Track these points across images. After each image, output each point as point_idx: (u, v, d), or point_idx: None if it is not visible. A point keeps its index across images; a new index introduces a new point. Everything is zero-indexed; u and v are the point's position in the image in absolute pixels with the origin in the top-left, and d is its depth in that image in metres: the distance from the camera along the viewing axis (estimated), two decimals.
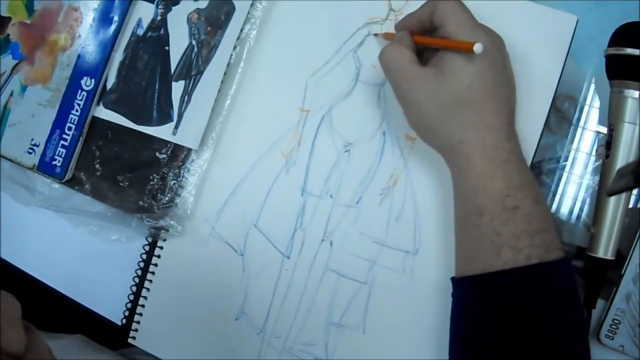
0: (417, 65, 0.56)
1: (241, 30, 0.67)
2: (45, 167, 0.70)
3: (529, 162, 0.61)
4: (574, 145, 0.71)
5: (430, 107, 0.55)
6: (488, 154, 0.54)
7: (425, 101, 0.55)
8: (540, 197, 0.55)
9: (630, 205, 0.67)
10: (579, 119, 0.71)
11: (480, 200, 0.54)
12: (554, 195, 0.71)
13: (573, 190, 0.71)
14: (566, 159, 0.71)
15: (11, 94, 0.72)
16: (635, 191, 0.68)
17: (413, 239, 0.63)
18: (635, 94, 0.62)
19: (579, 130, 0.71)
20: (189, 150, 0.66)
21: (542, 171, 0.71)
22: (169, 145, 0.66)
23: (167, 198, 0.66)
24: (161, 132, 0.67)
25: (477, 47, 0.51)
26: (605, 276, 0.63)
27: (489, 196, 0.53)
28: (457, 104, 0.54)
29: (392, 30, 0.64)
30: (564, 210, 0.70)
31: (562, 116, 0.71)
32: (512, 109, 0.57)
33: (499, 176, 0.54)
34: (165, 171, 0.66)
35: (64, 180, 0.69)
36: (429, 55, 0.59)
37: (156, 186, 0.66)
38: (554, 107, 0.71)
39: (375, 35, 0.64)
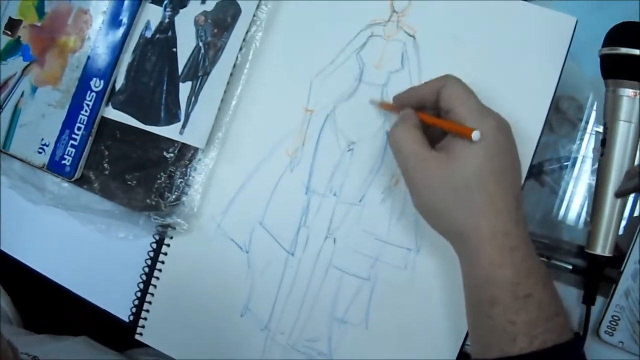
0: (428, 149, 0.57)
1: (247, 32, 0.69)
2: (55, 167, 0.72)
3: (528, 163, 0.63)
4: (575, 145, 0.73)
5: (441, 192, 0.55)
6: (498, 241, 0.54)
7: (436, 186, 0.56)
8: (548, 279, 0.55)
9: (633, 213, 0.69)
10: (580, 119, 0.73)
11: (491, 291, 0.54)
12: (555, 194, 0.72)
13: (574, 190, 0.72)
14: (568, 159, 0.73)
15: (22, 95, 0.75)
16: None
17: (415, 237, 0.65)
18: (630, 92, 0.63)
19: (580, 130, 0.73)
20: (196, 149, 0.69)
21: (544, 171, 0.74)
22: (176, 145, 0.69)
23: (174, 196, 0.68)
24: (169, 131, 0.69)
25: (475, 135, 0.53)
26: (603, 273, 0.65)
27: (500, 286, 0.53)
28: (468, 190, 0.54)
29: (394, 31, 0.66)
30: (565, 209, 0.73)
31: (563, 117, 0.74)
32: (520, 193, 0.57)
33: (509, 264, 0.53)
34: (173, 170, 0.69)
35: (73, 179, 0.72)
36: (431, 133, 0.60)
37: (163, 184, 0.69)
38: (556, 108, 0.73)
39: (372, 102, 0.67)
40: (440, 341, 0.66)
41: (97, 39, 0.73)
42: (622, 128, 0.64)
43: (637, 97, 0.64)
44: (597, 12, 0.77)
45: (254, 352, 0.69)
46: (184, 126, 0.69)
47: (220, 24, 0.69)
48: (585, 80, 0.75)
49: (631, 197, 0.69)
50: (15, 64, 0.76)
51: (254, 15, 0.69)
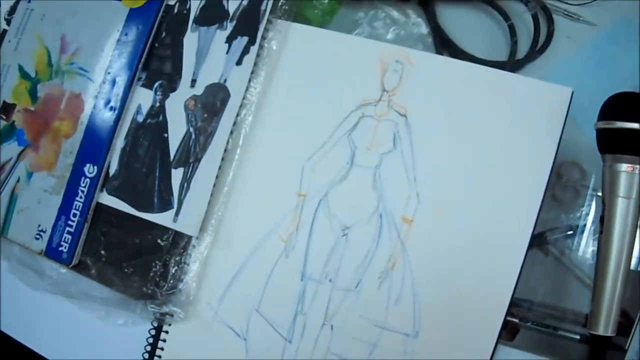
0: None
1: (237, 115, 0.68)
2: (52, 253, 0.73)
3: (529, 236, 0.63)
4: (580, 213, 0.71)
5: None
6: None
7: None
8: None
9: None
10: (584, 185, 0.72)
11: None
12: (560, 263, 0.71)
13: (580, 258, 0.71)
14: (572, 227, 0.72)
15: (18, 180, 0.76)
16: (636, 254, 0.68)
17: (413, 322, 0.65)
18: (628, 167, 0.62)
19: (584, 196, 0.71)
20: (190, 237, 0.68)
21: (548, 240, 0.72)
22: (170, 232, 0.69)
23: (169, 284, 0.69)
24: (162, 219, 0.69)
25: None
26: (606, 353, 0.64)
27: None
28: None
29: (385, 111, 0.65)
30: (571, 279, 0.71)
31: (566, 183, 0.72)
32: None
33: None
34: (167, 258, 0.69)
35: (70, 266, 0.72)
36: None
37: (158, 273, 0.69)
38: (557, 175, 0.72)
39: None
40: None
41: (89, 124, 0.73)
42: (621, 205, 0.63)
43: (636, 171, 0.62)
44: (597, 73, 0.75)
45: None
46: (177, 213, 0.69)
47: (210, 108, 0.69)
48: (588, 144, 0.73)
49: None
50: (11, 148, 0.77)
51: (244, 99, 0.69)
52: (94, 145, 0.73)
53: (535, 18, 0.72)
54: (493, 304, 0.63)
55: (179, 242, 0.69)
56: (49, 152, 0.75)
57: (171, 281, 0.69)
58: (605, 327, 0.63)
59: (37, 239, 0.74)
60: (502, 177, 0.64)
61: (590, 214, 0.72)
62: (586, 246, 0.72)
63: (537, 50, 0.73)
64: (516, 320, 0.68)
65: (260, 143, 0.70)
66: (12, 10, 0.80)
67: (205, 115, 0.69)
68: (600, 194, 0.70)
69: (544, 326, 0.71)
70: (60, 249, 0.73)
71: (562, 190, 0.73)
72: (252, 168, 0.70)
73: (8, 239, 0.76)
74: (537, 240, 0.72)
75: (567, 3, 0.75)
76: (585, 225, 0.72)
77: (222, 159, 0.69)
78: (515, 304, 0.67)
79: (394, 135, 0.66)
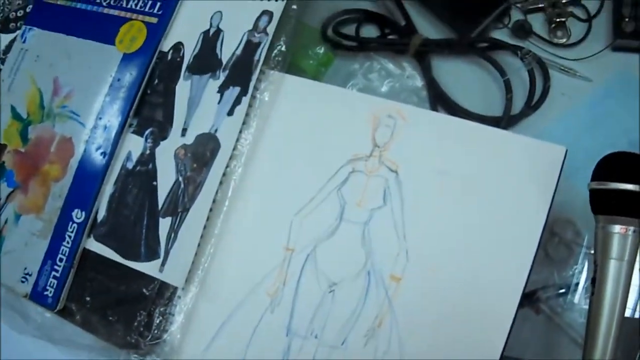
0: None
1: (227, 166, 0.67)
2: (37, 297, 0.72)
3: (520, 293, 0.61)
4: (572, 271, 0.70)
5: None
6: None
7: None
8: None
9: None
10: (578, 243, 0.70)
11: None
12: (552, 322, 0.70)
13: (572, 318, 0.69)
14: (564, 286, 0.70)
15: (6, 222, 0.75)
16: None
17: None
18: (621, 229, 0.60)
19: (578, 254, 0.70)
20: (175, 287, 0.67)
21: (539, 299, 0.71)
22: (155, 282, 0.68)
23: (153, 334, 0.68)
24: (148, 268, 0.68)
25: None
26: None
27: None
28: None
29: (376, 166, 0.64)
30: (563, 338, 0.70)
31: (559, 241, 0.71)
32: None
33: None
34: (152, 308, 0.68)
35: (55, 310, 0.71)
36: None
37: (143, 322, 0.68)
38: (551, 232, 0.71)
39: None
40: None
41: (79, 168, 0.72)
42: (613, 266, 0.61)
43: (629, 233, 0.61)
44: (593, 129, 0.74)
45: None
46: (163, 263, 0.68)
47: (199, 158, 0.68)
48: (582, 202, 0.71)
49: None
50: (0, 189, 0.75)
51: (234, 149, 0.68)
52: (83, 190, 0.72)
53: (531, 74, 0.72)
54: None
55: (164, 293, 0.68)
56: (37, 194, 0.74)
57: (155, 331, 0.68)
58: None
59: (22, 282, 0.73)
60: (493, 235, 0.63)
61: (583, 272, 0.71)
62: (579, 305, 0.71)
63: (532, 106, 0.72)
64: None
65: (249, 195, 0.69)
66: (7, 49, 0.80)
67: (195, 165, 0.68)
68: (593, 251, 0.69)
69: None
70: (45, 293, 0.72)
71: (555, 248, 0.72)
72: (240, 220, 0.69)
73: None
74: (529, 299, 0.71)
75: (563, 58, 0.74)
76: (578, 283, 0.71)
77: (210, 210, 0.68)
78: None
79: (384, 191, 0.65)
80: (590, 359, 0.62)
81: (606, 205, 0.61)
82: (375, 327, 0.65)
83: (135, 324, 0.69)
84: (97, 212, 0.72)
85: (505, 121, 0.72)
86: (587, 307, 0.68)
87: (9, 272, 0.75)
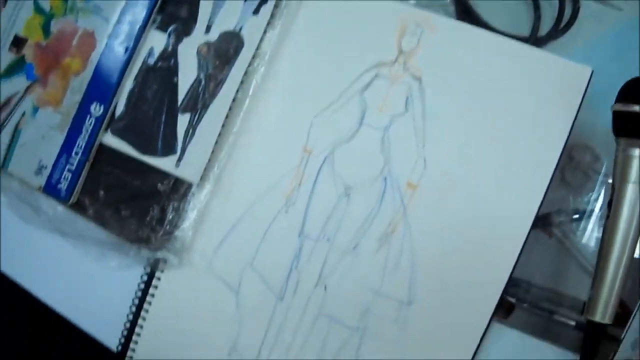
0: None
1: (249, 65, 0.66)
2: (51, 190, 0.71)
3: (534, 214, 0.61)
4: (588, 198, 0.69)
5: None
6: None
7: None
8: None
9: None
10: (595, 170, 0.69)
11: None
12: (563, 246, 0.69)
13: (583, 244, 0.69)
14: (578, 212, 0.69)
15: (23, 115, 0.74)
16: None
17: (408, 289, 0.63)
18: None
19: (594, 182, 0.69)
20: (190, 184, 0.66)
21: (552, 222, 0.70)
22: (170, 178, 0.68)
23: (165, 230, 0.67)
24: (164, 163, 0.68)
25: None
26: (602, 340, 0.61)
27: None
28: None
29: (400, 73, 0.63)
30: (572, 264, 0.69)
31: (576, 167, 0.70)
32: None
33: None
34: (166, 203, 0.67)
35: (68, 204, 0.70)
36: None
37: (156, 217, 0.67)
38: (569, 157, 0.70)
39: None
40: None
41: (100, 63, 0.71)
42: (631, 190, 0.60)
43: None
44: (619, 57, 0.73)
45: None
46: (179, 159, 0.67)
47: (222, 55, 0.67)
48: (603, 129, 0.70)
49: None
50: (19, 82, 0.75)
51: (258, 49, 0.67)
52: (103, 84, 0.71)
53: None
54: (491, 280, 0.62)
55: (179, 189, 0.68)
56: (57, 88, 0.73)
57: (167, 227, 0.67)
58: (602, 314, 0.62)
59: (37, 174, 0.72)
60: (512, 152, 0.62)
61: (598, 200, 0.70)
62: (591, 232, 0.70)
63: (560, 29, 0.71)
64: (512, 300, 0.66)
65: (270, 95, 0.68)
66: None
67: (217, 63, 0.68)
68: (610, 180, 0.68)
69: (540, 309, 0.69)
70: (59, 186, 0.71)
71: (572, 173, 0.71)
72: (260, 119, 0.68)
73: (8, 173, 0.74)
74: (542, 221, 0.70)
75: None
76: (592, 210, 0.70)
77: (230, 108, 0.67)
78: (513, 284, 0.65)
79: (406, 98, 0.64)
80: (601, 283, 0.61)
81: (628, 127, 0.60)
82: (388, 233, 0.64)
83: (148, 219, 0.68)
84: (115, 107, 0.71)
85: (532, 41, 0.70)
86: (599, 235, 0.67)
87: (24, 165, 0.74)
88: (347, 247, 0.65)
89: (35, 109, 0.74)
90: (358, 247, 0.65)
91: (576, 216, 0.71)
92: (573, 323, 0.67)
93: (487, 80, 0.63)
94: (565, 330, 0.67)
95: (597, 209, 0.70)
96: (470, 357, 0.62)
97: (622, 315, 0.65)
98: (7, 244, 0.78)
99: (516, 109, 0.62)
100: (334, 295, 0.65)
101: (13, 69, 0.76)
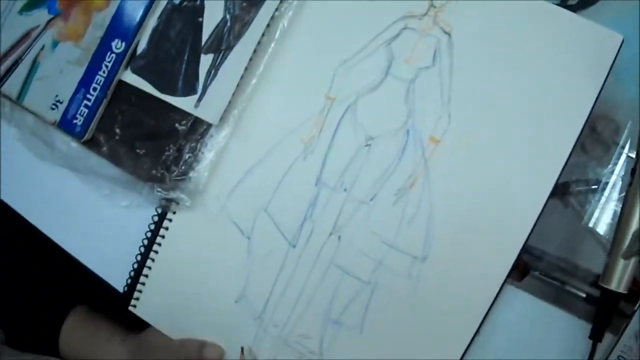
0: None
1: (277, 9, 0.65)
2: (65, 125, 0.70)
3: (555, 179, 0.59)
4: (607, 169, 0.68)
5: None
6: None
7: None
8: None
9: None
10: (615, 142, 0.68)
11: None
12: (579, 217, 0.68)
13: (599, 215, 0.68)
14: (596, 182, 0.68)
15: (42, 48, 0.73)
16: None
17: (423, 245, 0.62)
18: None
19: (614, 154, 0.68)
20: (209, 125, 0.66)
21: (570, 192, 0.69)
22: (189, 118, 0.66)
23: (180, 170, 0.66)
24: (184, 103, 0.66)
25: None
26: (616, 309, 0.60)
27: None
28: None
29: (429, 26, 0.62)
30: (587, 235, 0.68)
31: (597, 137, 0.69)
32: None
33: None
34: (183, 143, 0.66)
35: (82, 140, 0.69)
36: None
37: (171, 157, 0.66)
38: (590, 127, 0.69)
39: None
40: (434, 358, 0.62)
41: (124, 0, 0.69)
42: None
43: None
44: None
45: (245, 340, 0.67)
46: (199, 99, 0.66)
47: None
48: (627, 101, 0.69)
49: None
50: (40, 16, 0.74)
51: None
52: (126, 21, 0.70)
53: None
54: (507, 242, 0.60)
55: (197, 129, 0.66)
56: (78, 23, 0.72)
57: (182, 167, 0.66)
58: (618, 282, 0.61)
59: (52, 109, 0.71)
60: (537, 115, 0.61)
61: (615, 172, 0.69)
62: (607, 204, 0.68)
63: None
64: (527, 261, 0.65)
65: (296, 39, 0.67)
66: None
67: (245, 4, 0.66)
68: (631, 154, 0.67)
69: (552, 278, 0.67)
70: (74, 121, 0.70)
71: (593, 144, 0.70)
72: (284, 64, 0.67)
73: (23, 107, 0.73)
74: (560, 189, 0.69)
75: None
76: (609, 183, 0.69)
77: (255, 51, 0.66)
78: (526, 251, 0.64)
79: (434, 52, 0.63)
80: (618, 251, 0.60)
81: None
82: (407, 187, 0.63)
83: (163, 158, 0.67)
84: (137, 45, 0.70)
85: (563, 6, 0.69)
86: (616, 209, 0.66)
87: (39, 99, 0.73)
88: (364, 198, 0.64)
89: (55, 43, 0.73)
90: (375, 199, 0.64)
91: (594, 187, 0.69)
92: (584, 295, 0.66)
93: (517, 39, 0.62)
94: (575, 301, 0.66)
95: (614, 182, 0.69)
96: (482, 317, 0.60)
97: (634, 292, 0.64)
98: (16, 177, 0.76)
99: (543, 72, 0.61)
100: (347, 246, 0.64)
101: (35, 3, 0.75)
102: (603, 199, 0.69)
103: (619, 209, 0.67)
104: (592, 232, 0.69)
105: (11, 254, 0.80)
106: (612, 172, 0.70)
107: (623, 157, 0.69)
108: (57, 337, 0.75)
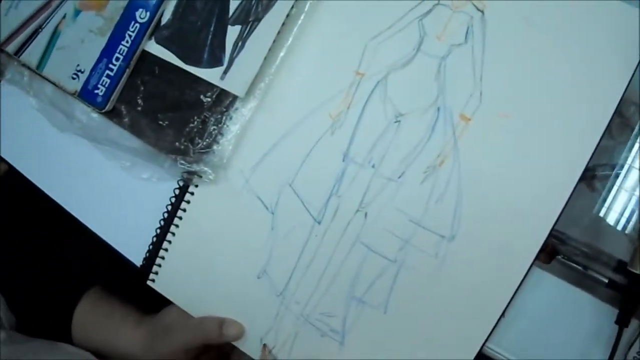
0: None
1: None
2: (86, 95, 0.68)
3: (584, 165, 0.58)
4: (632, 154, 0.67)
5: None
6: None
7: None
8: None
9: None
10: None
11: None
12: (604, 201, 0.66)
13: (623, 201, 0.66)
14: (622, 167, 0.67)
15: (64, 17, 0.71)
16: None
17: (451, 224, 0.60)
18: None
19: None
20: (235, 97, 0.64)
21: (596, 176, 0.67)
22: (214, 90, 0.64)
23: (204, 143, 0.64)
24: (209, 75, 0.65)
25: None
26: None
27: None
28: None
29: (463, 3, 0.60)
30: (611, 220, 0.66)
31: (624, 122, 0.67)
32: None
33: None
34: (207, 115, 0.64)
35: (103, 111, 0.68)
36: None
37: (195, 129, 0.64)
38: (618, 112, 0.67)
39: None
40: (459, 339, 0.61)
41: None
42: None
43: None
44: None
45: (266, 317, 0.66)
46: (226, 71, 0.64)
47: None
48: None
49: None
50: None
51: None
52: None
53: None
54: (535, 224, 0.59)
55: (222, 101, 0.65)
56: None
57: (207, 140, 0.64)
58: None
59: (73, 78, 0.69)
60: (569, 97, 0.59)
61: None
62: (633, 190, 0.67)
63: None
64: (557, 241, 0.63)
65: (325, 13, 0.65)
66: None
67: None
68: None
69: (575, 262, 0.66)
70: (96, 91, 0.68)
71: (619, 128, 0.68)
72: (313, 38, 0.65)
73: (43, 76, 0.71)
74: (587, 173, 0.68)
75: None
76: (634, 167, 0.68)
77: (283, 24, 0.64)
78: (551, 234, 0.62)
79: (467, 29, 0.62)
80: None
81: None
82: (436, 165, 0.61)
83: (187, 130, 0.65)
84: (162, 15, 0.68)
85: None
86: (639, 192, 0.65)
87: (60, 68, 0.71)
88: (392, 175, 0.62)
89: (77, 12, 0.71)
90: (403, 177, 0.62)
91: (620, 171, 0.68)
92: (606, 280, 0.64)
93: (552, 18, 0.61)
94: (596, 287, 0.65)
95: (635, 165, 0.68)
96: (508, 300, 0.59)
97: None
98: (34, 148, 0.74)
99: (578, 52, 0.60)
100: (373, 223, 0.63)
101: None
102: (629, 184, 0.68)
103: (635, 193, 0.66)
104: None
105: (23, 236, 0.77)
106: (634, 157, 0.68)
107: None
108: (70, 320, 0.73)
